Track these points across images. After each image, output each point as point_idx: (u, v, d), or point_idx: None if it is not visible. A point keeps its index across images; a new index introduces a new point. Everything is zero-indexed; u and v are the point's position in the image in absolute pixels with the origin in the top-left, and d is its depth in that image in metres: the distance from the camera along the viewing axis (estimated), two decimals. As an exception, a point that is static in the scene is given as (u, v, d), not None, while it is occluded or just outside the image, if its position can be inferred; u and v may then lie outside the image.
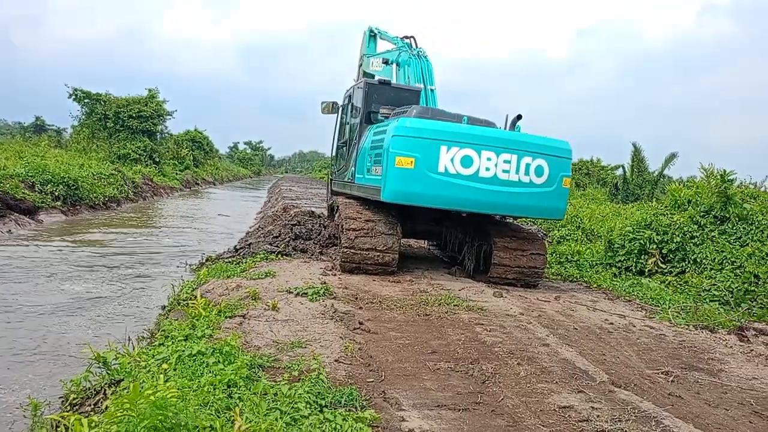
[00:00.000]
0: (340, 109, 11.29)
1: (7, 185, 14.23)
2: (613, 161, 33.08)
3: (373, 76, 14.20)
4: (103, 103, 31.78)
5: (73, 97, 31.62)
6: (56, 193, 16.04)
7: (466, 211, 8.56)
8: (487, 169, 7.59)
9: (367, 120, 9.59)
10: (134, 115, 31.87)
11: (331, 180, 12.87)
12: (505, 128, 8.51)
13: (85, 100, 31.91)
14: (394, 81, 10.81)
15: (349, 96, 10.62)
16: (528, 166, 7.78)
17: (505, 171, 7.66)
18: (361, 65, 13.99)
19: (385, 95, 9.80)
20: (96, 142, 31.24)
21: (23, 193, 14.61)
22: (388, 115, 8.93)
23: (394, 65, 11.31)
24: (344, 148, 10.77)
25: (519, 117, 8.38)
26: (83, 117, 32.55)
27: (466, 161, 7.54)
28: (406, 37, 11.68)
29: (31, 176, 16.00)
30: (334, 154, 11.86)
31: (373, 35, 14.02)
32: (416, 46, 11.32)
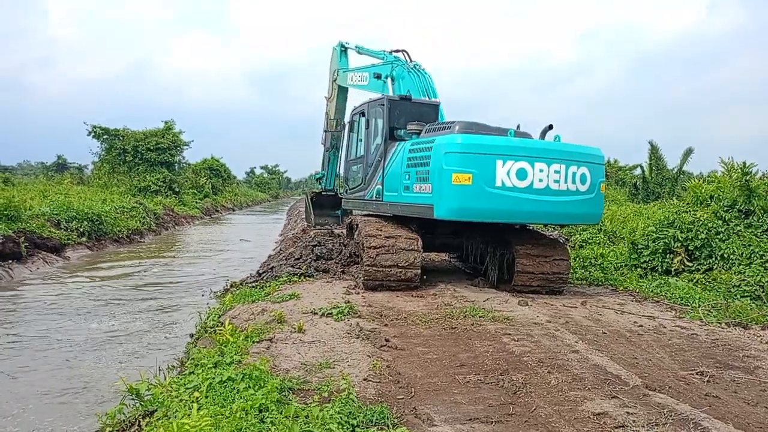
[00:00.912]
0: (347, 126, 11.16)
1: (34, 224, 14.57)
2: (629, 161, 32.76)
3: (345, 90, 14.03)
4: (121, 138, 32.46)
5: (93, 134, 32.37)
6: (81, 229, 16.37)
7: (524, 223, 8.74)
8: (540, 180, 7.71)
9: (391, 137, 9.38)
10: (152, 147, 32.48)
11: (316, 197, 13.46)
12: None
13: (104, 137, 32.63)
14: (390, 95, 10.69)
15: (362, 112, 10.34)
16: (574, 174, 7.96)
17: (555, 181, 7.82)
18: (335, 80, 13.95)
19: (406, 111, 9.62)
20: (117, 177, 31.88)
21: (50, 231, 14.94)
22: (418, 132, 8.75)
23: (389, 80, 11.11)
24: (358, 166, 10.61)
25: (550, 127, 8.35)
26: (103, 153, 33.27)
27: (521, 174, 7.63)
28: (396, 51, 11.58)
29: (56, 214, 16.37)
30: (343, 171, 11.61)
31: (344, 50, 14.15)
32: (410, 60, 11.22)
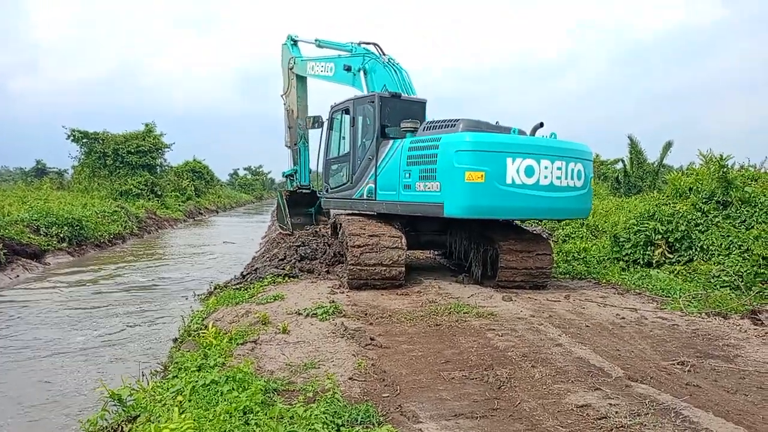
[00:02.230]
0: (326, 123, 10.82)
1: (13, 231, 14.31)
2: (612, 155, 33.05)
3: (304, 80, 13.92)
4: (101, 141, 31.98)
5: (72, 138, 31.83)
6: (61, 235, 16.11)
7: (530, 219, 8.69)
8: (545, 177, 7.88)
9: (382, 134, 9.23)
10: (133, 150, 32.06)
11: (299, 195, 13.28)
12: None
13: (84, 140, 32.10)
14: (365, 92, 10.52)
15: (345, 109, 10.04)
16: (572, 171, 8.18)
17: (558, 177, 8.01)
18: (291, 68, 13.81)
19: (396, 108, 9.44)
20: (97, 181, 31.41)
21: (29, 237, 14.69)
22: (412, 130, 8.67)
23: (361, 72, 10.92)
24: (341, 165, 10.41)
25: (541, 125, 8.42)
26: (83, 157, 32.74)
27: (529, 171, 7.76)
28: (366, 43, 11.36)
29: (36, 220, 16.08)
30: (322, 169, 11.21)
31: (294, 43, 14.07)
32: (382, 53, 10.96)
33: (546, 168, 7.86)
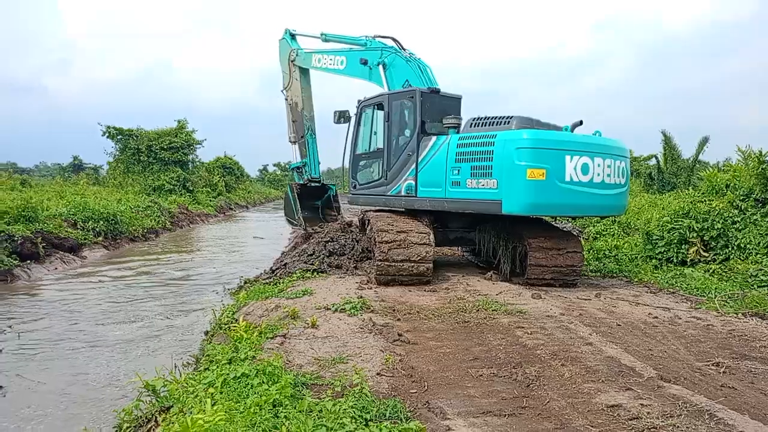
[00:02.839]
0: (353, 118, 10.64)
1: (51, 225, 14.75)
2: (645, 152, 32.38)
3: (307, 72, 13.76)
4: (135, 138, 32.73)
5: (107, 134, 32.68)
6: (97, 229, 16.55)
7: (585, 216, 8.70)
8: (598, 174, 7.99)
9: (422, 130, 9.16)
10: (165, 147, 32.72)
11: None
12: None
13: (118, 137, 32.92)
14: (385, 86, 10.46)
15: (378, 104, 9.95)
16: (618, 168, 8.34)
17: (608, 175, 8.14)
18: (293, 60, 13.65)
19: (435, 104, 9.32)
20: (131, 177, 32.19)
21: (66, 231, 15.12)
22: (455, 126, 8.70)
23: (380, 67, 10.71)
24: (371, 160, 10.35)
25: (580, 122, 8.42)
26: (117, 153, 33.60)
27: (585, 169, 7.85)
28: (382, 37, 11.21)
29: (73, 214, 16.56)
30: (349, 165, 10.91)
31: (292, 37, 13.93)
32: (401, 48, 10.82)
33: (599, 166, 7.97)
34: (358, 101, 10.52)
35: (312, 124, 14.25)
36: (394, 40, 11.03)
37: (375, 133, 10.31)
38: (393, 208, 9.74)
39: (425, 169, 8.92)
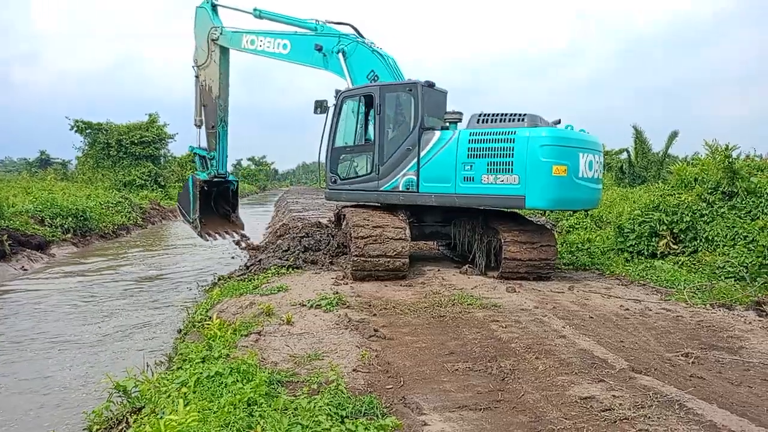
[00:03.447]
0: (332, 109, 9.92)
1: (17, 222, 14.37)
2: (617, 146, 32.88)
3: (227, 53, 11.82)
4: (105, 132, 32.04)
5: (75, 128, 31.91)
6: (66, 226, 16.17)
7: (587, 209, 10.16)
8: (593, 170, 8.60)
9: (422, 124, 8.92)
10: (136, 141, 32.09)
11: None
12: None
13: (87, 131, 32.19)
14: (347, 76, 9.84)
15: (366, 95, 9.50)
16: (600, 163, 8.92)
17: (597, 171, 8.78)
18: (215, 39, 11.71)
19: (430, 98, 9.13)
20: (101, 172, 31.53)
21: (34, 228, 14.75)
22: (455, 121, 8.75)
23: (340, 54, 9.98)
24: (356, 154, 9.88)
25: (558, 121, 8.65)
26: (86, 148, 32.85)
27: (590, 165, 8.46)
28: (337, 23, 10.44)
29: (40, 211, 16.15)
30: (327, 158, 10.02)
31: (213, 7, 12.04)
32: (360, 36, 10.16)
33: (593, 162, 8.56)
34: (337, 91, 9.94)
35: (225, 114, 12.46)
36: (353, 27, 10.40)
37: (360, 126, 9.88)
38: (386, 203, 9.40)
39: (429, 164, 8.78)
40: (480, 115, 8.62)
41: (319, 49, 10.31)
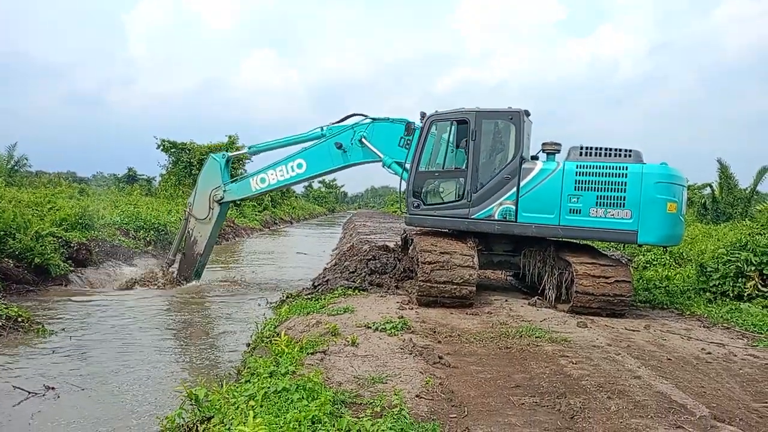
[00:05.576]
0: (421, 132, 9.47)
1: (105, 233, 15.34)
2: (700, 180, 31.25)
3: (227, 206, 12.04)
4: (187, 151, 33.80)
5: (161, 147, 33.89)
6: (148, 239, 17.11)
7: (672, 246, 10.23)
8: (685, 207, 8.82)
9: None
10: (216, 161, 33.60)
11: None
12: None
13: (172, 150, 34.08)
14: (380, 155, 10.24)
15: (462, 121, 9.21)
16: (685, 200, 8.86)
17: (684, 207, 8.76)
18: (220, 200, 11.75)
19: (526, 126, 9.13)
20: (182, 188, 33.17)
21: (119, 239, 15.70)
22: (553, 152, 8.88)
23: (362, 141, 10.38)
24: (444, 179, 9.53)
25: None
26: (170, 166, 34.75)
27: (686, 202, 8.70)
28: (340, 121, 10.81)
29: (126, 224, 17.18)
30: (410, 182, 9.45)
31: (227, 162, 12.19)
32: (367, 117, 10.49)
33: (684, 198, 8.68)
34: (422, 114, 9.61)
35: (202, 270, 12.50)
36: (359, 114, 10.69)
37: (451, 151, 9.62)
38: (501, 233, 9.10)
39: (530, 194, 8.68)
40: (582, 148, 8.64)
41: (339, 147, 10.52)
